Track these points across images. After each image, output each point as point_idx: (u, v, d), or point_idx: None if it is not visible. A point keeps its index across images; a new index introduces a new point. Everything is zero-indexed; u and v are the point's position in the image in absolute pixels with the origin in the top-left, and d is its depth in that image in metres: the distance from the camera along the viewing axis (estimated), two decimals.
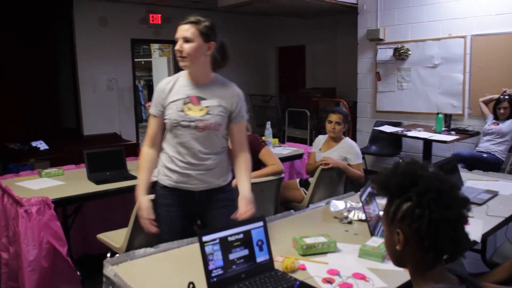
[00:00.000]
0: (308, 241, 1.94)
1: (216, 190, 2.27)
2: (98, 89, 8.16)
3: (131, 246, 2.67)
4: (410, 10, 6.05)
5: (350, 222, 2.34)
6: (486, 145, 4.96)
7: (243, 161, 2.28)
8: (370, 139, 6.48)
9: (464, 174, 3.21)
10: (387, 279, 1.67)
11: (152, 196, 2.26)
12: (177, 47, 2.12)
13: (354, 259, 1.88)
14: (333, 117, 3.66)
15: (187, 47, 2.10)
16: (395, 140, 6.17)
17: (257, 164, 3.22)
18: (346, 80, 8.66)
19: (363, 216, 2.32)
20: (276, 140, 4.63)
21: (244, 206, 2.13)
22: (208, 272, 1.56)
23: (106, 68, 8.22)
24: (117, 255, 1.86)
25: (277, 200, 3.25)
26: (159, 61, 13.28)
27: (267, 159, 3.18)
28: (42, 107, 7.90)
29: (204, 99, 2.17)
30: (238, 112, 2.24)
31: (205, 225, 2.37)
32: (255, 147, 3.19)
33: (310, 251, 1.90)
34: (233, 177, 2.35)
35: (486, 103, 5.22)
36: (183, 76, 2.23)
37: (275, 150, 4.29)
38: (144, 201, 2.15)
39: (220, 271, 1.58)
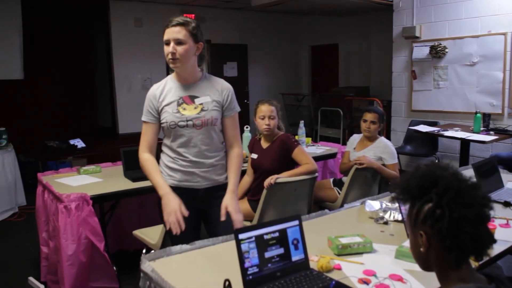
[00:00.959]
0: (344, 241, 1.92)
1: (218, 187, 2.32)
2: (133, 88, 8.31)
3: (166, 242, 2.71)
4: (447, 6, 5.90)
5: (386, 223, 2.30)
6: None
7: (235, 156, 2.35)
8: (405, 139, 6.37)
9: (505, 175, 3.12)
10: (425, 282, 1.63)
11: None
12: (170, 49, 2.14)
13: (390, 260, 1.85)
14: (368, 116, 3.62)
15: (180, 49, 2.14)
16: (431, 140, 6.05)
17: (290, 163, 3.22)
18: (380, 79, 8.55)
19: (399, 217, 2.29)
20: (309, 139, 4.61)
21: (229, 198, 2.22)
22: (244, 270, 1.56)
23: (141, 68, 8.37)
24: (154, 251, 1.88)
25: (310, 199, 3.23)
26: None
27: (301, 158, 3.17)
28: (79, 106, 8.13)
29: (196, 97, 2.24)
30: (229, 105, 2.31)
31: (207, 223, 2.38)
32: (288, 147, 3.19)
33: (345, 251, 1.89)
34: None
35: None
36: (171, 79, 2.29)
37: (308, 150, 4.27)
38: (174, 196, 2.13)
39: (255, 269, 1.58)
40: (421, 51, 6.21)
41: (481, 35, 5.59)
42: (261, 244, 1.62)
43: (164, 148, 2.31)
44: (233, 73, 9.56)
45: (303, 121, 4.58)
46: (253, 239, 1.61)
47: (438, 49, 5.97)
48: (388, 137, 6.52)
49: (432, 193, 1.16)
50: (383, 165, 3.52)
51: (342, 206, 2.66)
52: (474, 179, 1.21)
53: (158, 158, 2.33)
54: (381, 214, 2.35)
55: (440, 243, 1.15)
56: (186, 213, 2.11)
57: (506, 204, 2.52)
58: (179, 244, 1.93)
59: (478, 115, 5.02)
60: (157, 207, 2.33)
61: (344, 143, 4.05)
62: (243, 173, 3.52)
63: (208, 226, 2.39)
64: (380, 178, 3.63)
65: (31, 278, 2.90)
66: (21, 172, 5.27)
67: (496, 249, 1.92)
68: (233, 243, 1.60)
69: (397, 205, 2.31)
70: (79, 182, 3.23)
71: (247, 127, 3.99)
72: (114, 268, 3.04)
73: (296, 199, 3.15)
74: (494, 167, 2.88)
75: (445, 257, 1.17)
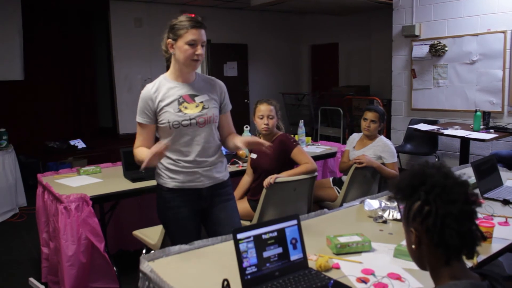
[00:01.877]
0: (342, 240, 1.93)
1: (219, 185, 2.34)
2: (133, 89, 8.32)
3: (166, 243, 2.71)
4: (446, 5, 5.90)
5: (385, 222, 2.30)
6: None
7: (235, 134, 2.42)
8: (405, 138, 6.37)
9: (504, 173, 3.12)
10: (423, 280, 1.63)
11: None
12: (198, 51, 2.15)
13: (389, 259, 1.85)
14: (369, 115, 3.62)
15: (203, 51, 2.18)
16: (431, 139, 6.05)
17: (289, 163, 3.22)
18: (380, 78, 8.55)
19: (398, 216, 2.29)
20: (309, 138, 4.61)
21: (241, 138, 2.27)
22: (242, 270, 1.56)
23: (141, 68, 8.38)
24: (153, 251, 1.89)
25: (310, 198, 3.23)
26: None
27: (300, 158, 3.17)
28: (80, 107, 8.13)
29: (196, 95, 2.25)
30: (225, 102, 2.37)
31: (208, 223, 2.38)
32: (287, 147, 3.18)
33: (344, 250, 1.89)
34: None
35: None
36: (165, 78, 2.27)
37: (308, 149, 4.27)
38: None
39: (254, 269, 1.59)
40: (420, 50, 6.21)
41: (481, 33, 5.59)
42: (260, 243, 1.62)
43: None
44: (233, 73, 9.57)
45: (302, 120, 4.58)
46: (252, 238, 1.61)
47: (438, 47, 5.97)
48: (388, 136, 6.53)
49: (421, 190, 1.19)
50: (383, 164, 3.52)
51: (341, 205, 2.66)
52: (465, 178, 1.23)
53: None
54: (380, 213, 2.35)
55: (430, 239, 1.18)
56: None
57: (505, 202, 2.52)
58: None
59: (478, 113, 5.01)
60: (156, 207, 2.34)
61: (345, 142, 4.04)
62: (242, 173, 3.53)
63: (208, 225, 2.39)
64: (380, 177, 3.63)
65: (31, 279, 2.91)
66: (21, 173, 5.29)
67: (495, 247, 1.93)
68: (231, 243, 1.60)
69: (396, 204, 2.32)
70: (79, 183, 3.24)
71: (246, 127, 3.99)
72: (114, 268, 3.05)
73: (295, 198, 3.15)
74: (494, 166, 2.88)
75: (435, 254, 1.20)
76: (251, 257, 1.59)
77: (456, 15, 5.82)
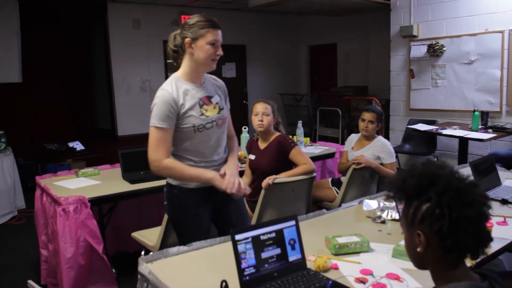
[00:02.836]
0: (341, 240, 1.93)
1: None
2: (131, 90, 8.32)
3: (164, 244, 2.71)
4: (444, 5, 5.91)
5: (383, 222, 2.30)
6: None
7: (234, 144, 2.42)
8: (403, 138, 6.37)
9: (502, 173, 3.12)
10: (421, 280, 1.63)
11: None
12: (219, 52, 2.17)
13: (388, 259, 1.85)
14: (367, 116, 3.62)
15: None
16: (429, 139, 6.05)
17: (288, 164, 3.22)
18: (379, 78, 8.55)
19: (396, 216, 2.29)
20: (308, 139, 4.61)
21: (228, 168, 2.21)
22: (240, 271, 1.56)
23: (139, 70, 8.38)
24: (151, 253, 1.89)
25: (309, 199, 3.23)
26: None
27: (298, 159, 3.16)
28: (78, 109, 8.14)
29: (211, 96, 2.25)
30: (227, 101, 2.39)
31: (219, 221, 2.38)
32: (285, 148, 3.18)
33: (342, 251, 1.89)
34: None
35: None
36: (179, 80, 2.19)
37: (307, 149, 4.27)
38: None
39: (252, 270, 1.59)
40: (418, 50, 6.22)
41: (479, 33, 5.59)
42: (258, 244, 1.62)
43: (183, 153, 2.21)
44: (231, 74, 9.57)
45: (301, 121, 4.58)
46: (250, 239, 1.61)
47: (436, 47, 5.98)
48: (387, 136, 6.54)
49: (431, 192, 1.14)
50: (381, 164, 3.52)
51: (340, 205, 2.66)
52: (472, 178, 1.19)
53: None
54: (378, 213, 2.35)
55: (439, 242, 1.14)
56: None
57: (504, 201, 2.52)
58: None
59: (476, 113, 5.02)
60: (168, 208, 2.32)
61: (343, 143, 4.05)
62: (241, 174, 3.52)
63: (219, 225, 2.40)
64: (378, 177, 3.63)
65: (30, 281, 2.89)
66: (20, 175, 5.28)
67: (494, 247, 1.92)
68: (230, 244, 1.60)
69: (394, 204, 2.32)
70: (77, 185, 3.24)
71: (245, 128, 3.99)
72: (113, 270, 3.05)
73: (294, 199, 3.15)
74: (492, 165, 2.88)
75: (442, 257, 1.16)
76: (250, 258, 1.59)
77: (454, 15, 5.82)
